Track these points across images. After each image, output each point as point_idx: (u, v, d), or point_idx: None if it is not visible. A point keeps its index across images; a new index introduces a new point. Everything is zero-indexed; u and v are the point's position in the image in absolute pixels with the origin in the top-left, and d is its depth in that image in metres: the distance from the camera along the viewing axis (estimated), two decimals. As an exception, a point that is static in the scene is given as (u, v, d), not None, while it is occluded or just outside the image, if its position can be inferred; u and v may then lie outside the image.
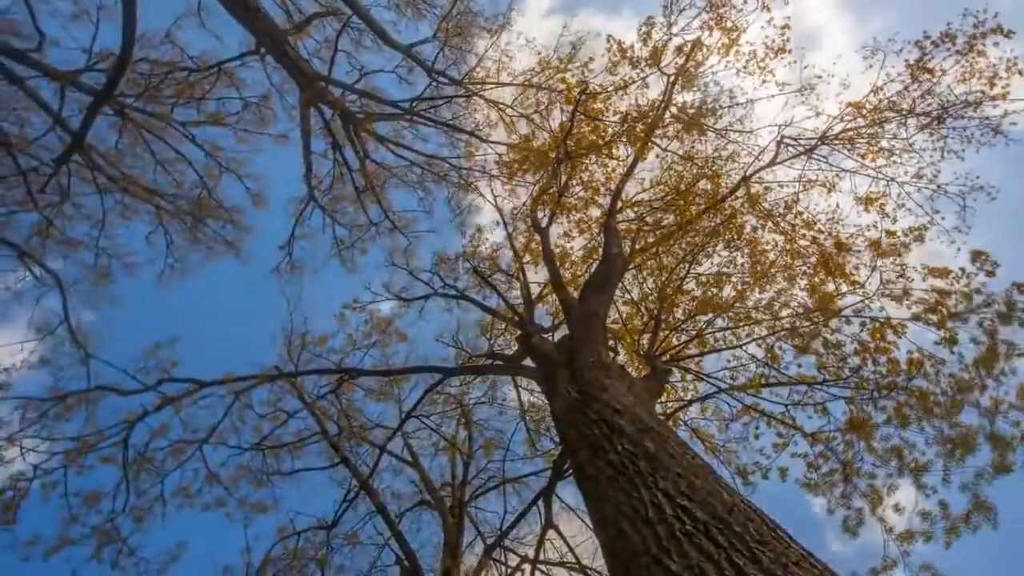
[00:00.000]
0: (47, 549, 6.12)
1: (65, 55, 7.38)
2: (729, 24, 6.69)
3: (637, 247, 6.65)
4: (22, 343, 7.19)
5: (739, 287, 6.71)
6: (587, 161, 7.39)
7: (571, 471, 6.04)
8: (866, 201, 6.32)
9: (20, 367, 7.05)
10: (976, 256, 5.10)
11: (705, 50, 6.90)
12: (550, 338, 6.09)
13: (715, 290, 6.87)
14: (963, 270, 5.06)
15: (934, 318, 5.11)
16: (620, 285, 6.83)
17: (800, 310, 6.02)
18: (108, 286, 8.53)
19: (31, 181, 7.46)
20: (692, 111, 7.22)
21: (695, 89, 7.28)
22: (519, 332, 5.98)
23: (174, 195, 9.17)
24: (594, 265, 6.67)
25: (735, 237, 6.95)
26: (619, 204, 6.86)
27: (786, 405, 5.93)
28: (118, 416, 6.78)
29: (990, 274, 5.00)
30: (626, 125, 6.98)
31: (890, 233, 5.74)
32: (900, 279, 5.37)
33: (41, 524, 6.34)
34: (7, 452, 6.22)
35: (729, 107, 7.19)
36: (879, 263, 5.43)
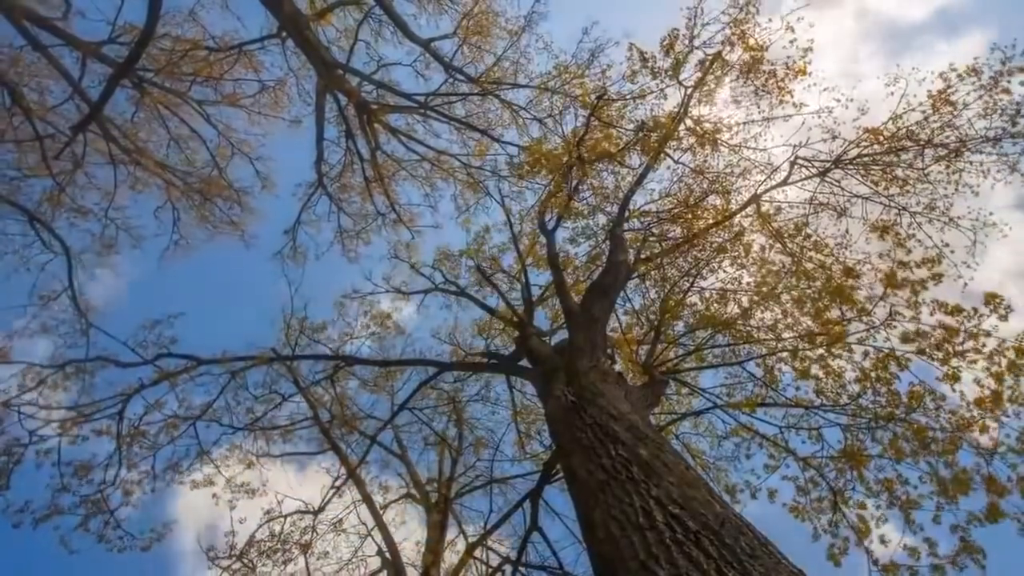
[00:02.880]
0: (36, 517, 6.12)
1: (89, 26, 7.44)
2: (752, 42, 6.69)
3: (642, 257, 6.63)
4: (25, 307, 7.23)
5: (742, 305, 6.68)
6: (598, 167, 7.38)
7: (561, 474, 6.00)
8: (881, 229, 6.26)
9: (22, 332, 7.08)
10: (990, 299, 5.00)
11: (726, 65, 6.90)
12: (548, 341, 6.09)
13: (718, 306, 6.84)
14: (975, 309, 4.98)
15: (939, 354, 5.05)
16: (622, 294, 6.81)
17: (803, 333, 5.98)
18: (113, 256, 8.59)
19: (47, 147, 7.52)
20: (708, 125, 7.21)
21: (712, 103, 7.29)
22: (518, 333, 5.98)
23: (185, 172, 9.22)
24: (597, 272, 6.66)
25: (742, 255, 6.93)
26: (627, 213, 6.85)
27: (781, 427, 5.89)
28: (115, 388, 6.80)
29: (1003, 319, 4.91)
30: (640, 134, 6.98)
31: (903, 264, 5.68)
32: (909, 312, 5.29)
33: (32, 492, 6.35)
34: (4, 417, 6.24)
35: (745, 124, 7.19)
36: (889, 292, 5.37)
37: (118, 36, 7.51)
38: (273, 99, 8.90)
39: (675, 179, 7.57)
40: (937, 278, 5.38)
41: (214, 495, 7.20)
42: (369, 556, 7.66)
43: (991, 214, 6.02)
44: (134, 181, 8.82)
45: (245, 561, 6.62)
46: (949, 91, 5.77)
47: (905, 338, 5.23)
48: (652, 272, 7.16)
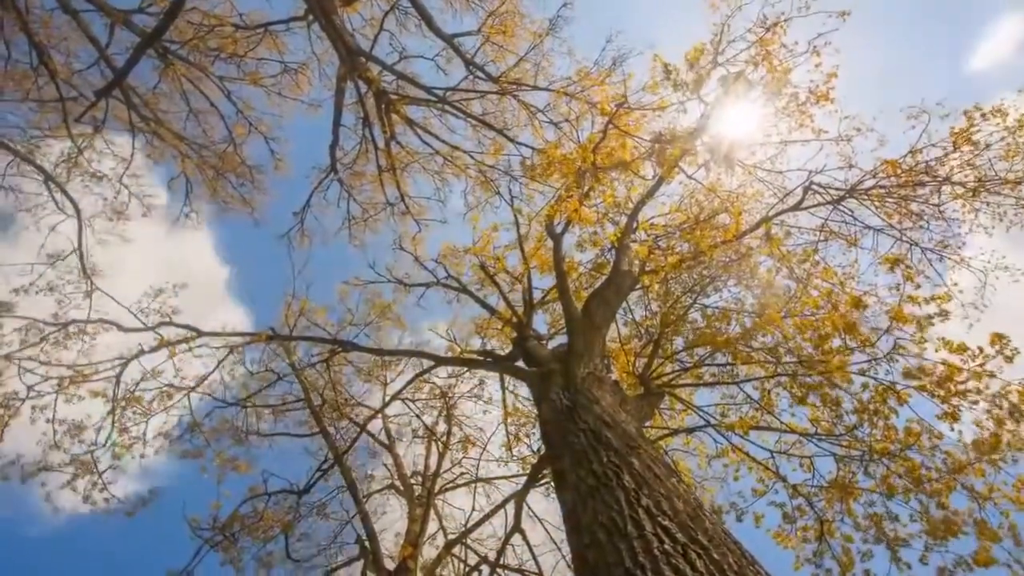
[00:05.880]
0: (25, 472, 6.16)
1: (121, -6, 7.50)
2: (776, 63, 6.67)
3: (647, 269, 6.61)
4: (32, 264, 7.28)
5: (744, 326, 6.63)
6: (611, 176, 7.37)
7: (547, 478, 5.99)
8: (892, 262, 6.21)
9: (28, 288, 7.14)
10: (996, 339, 4.93)
11: (748, 85, 6.87)
12: (545, 345, 6.08)
13: (719, 324, 6.81)
14: (981, 349, 4.91)
15: (940, 392, 4.98)
16: (624, 304, 6.79)
17: (804, 359, 5.92)
18: (124, 223, 8.66)
19: (68, 109, 7.60)
20: (725, 143, 7.19)
21: (731, 121, 7.25)
22: (516, 334, 5.97)
23: (201, 145, 9.29)
24: (600, 280, 6.65)
25: (748, 276, 6.90)
26: (636, 223, 6.84)
27: (772, 452, 5.85)
28: (114, 352, 6.85)
29: (1009, 360, 4.82)
30: (657, 146, 6.96)
31: (912, 299, 5.63)
32: (913, 347, 5.23)
33: (24, 446, 6.39)
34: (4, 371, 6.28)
35: (762, 145, 7.16)
36: (895, 325, 5.31)
37: (148, 6, 7.59)
38: (294, 82, 8.95)
39: (687, 194, 7.56)
40: (943, 315, 5.33)
41: (203, 467, 7.22)
42: (348, 543, 7.65)
43: (1004, 257, 5.97)
44: (151, 150, 8.90)
45: (227, 534, 6.62)
46: (972, 129, 5.73)
47: (907, 373, 5.18)
48: (656, 285, 7.13)
